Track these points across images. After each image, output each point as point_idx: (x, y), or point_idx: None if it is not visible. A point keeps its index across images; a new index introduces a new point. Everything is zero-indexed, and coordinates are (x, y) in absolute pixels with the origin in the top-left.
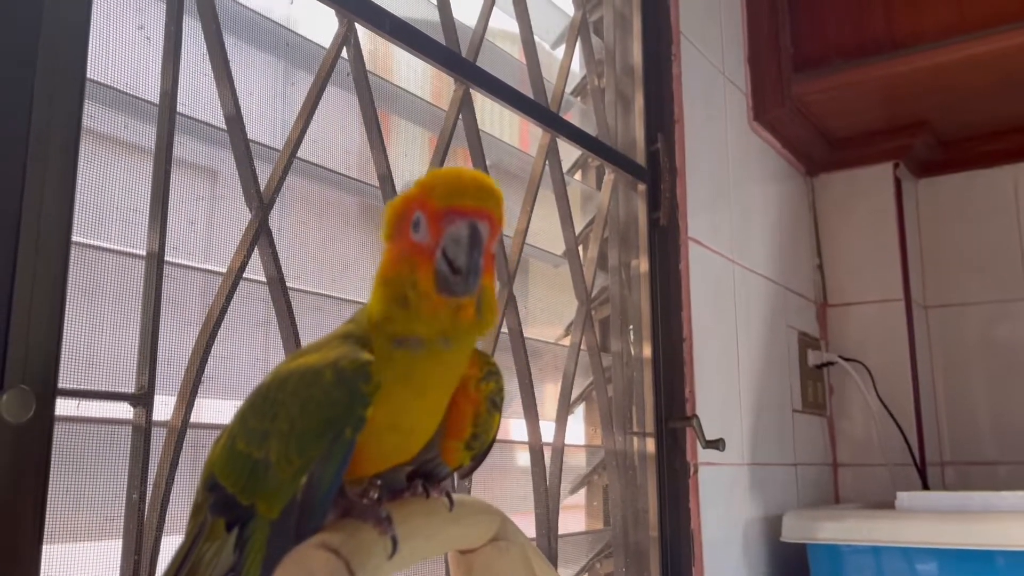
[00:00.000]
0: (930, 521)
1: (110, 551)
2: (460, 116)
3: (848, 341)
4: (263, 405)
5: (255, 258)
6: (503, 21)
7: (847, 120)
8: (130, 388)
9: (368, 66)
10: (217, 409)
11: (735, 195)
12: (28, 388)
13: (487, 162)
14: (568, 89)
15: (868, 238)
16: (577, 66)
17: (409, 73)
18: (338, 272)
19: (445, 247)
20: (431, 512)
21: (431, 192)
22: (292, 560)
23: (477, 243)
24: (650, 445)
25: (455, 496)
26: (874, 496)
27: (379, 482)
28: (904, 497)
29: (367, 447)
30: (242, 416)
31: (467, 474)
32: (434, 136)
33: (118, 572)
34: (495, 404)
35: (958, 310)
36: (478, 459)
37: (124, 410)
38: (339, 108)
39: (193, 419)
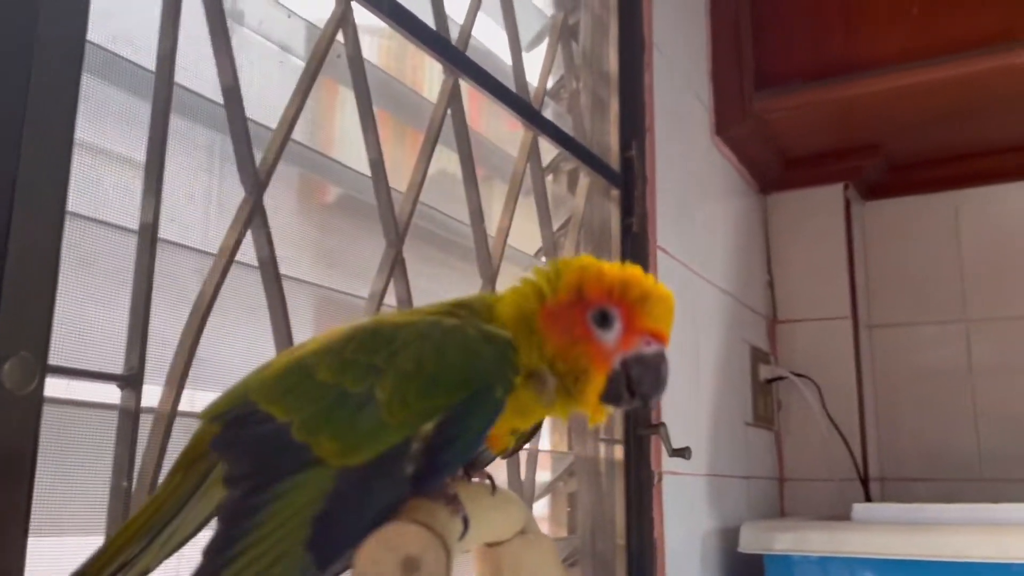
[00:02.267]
0: (887, 533)
1: (90, 546)
2: (449, 110)
3: (796, 357)
4: (372, 341)
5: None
6: (481, 27)
7: (803, 140)
8: (118, 370)
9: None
10: (207, 400)
11: (697, 208)
12: (31, 356)
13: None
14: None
15: (817, 257)
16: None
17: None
18: (332, 260)
19: (631, 366)
20: (478, 496)
21: (641, 302)
22: (382, 534)
23: (667, 377)
24: (618, 452)
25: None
26: (818, 510)
27: None
28: (859, 509)
29: None
30: (324, 350)
31: (511, 455)
32: (383, 111)
33: None
34: None
35: (901, 330)
36: (523, 440)
37: (111, 394)
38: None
39: (183, 407)
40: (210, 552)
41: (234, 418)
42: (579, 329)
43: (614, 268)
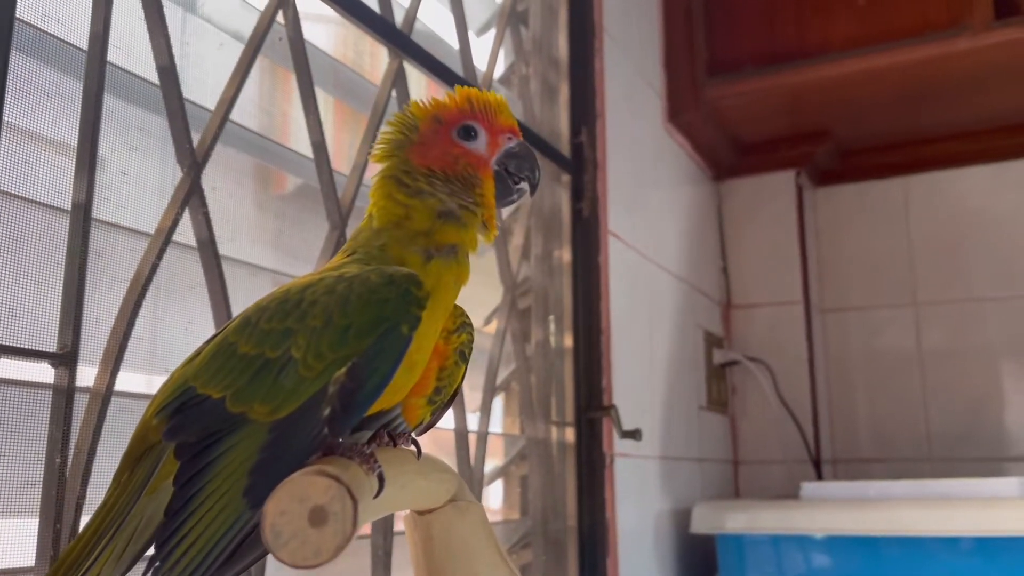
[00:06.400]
0: (834, 510)
1: (25, 529)
2: (394, 91)
3: (750, 341)
4: (282, 308)
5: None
6: (429, 12)
7: (755, 126)
8: (51, 348)
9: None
10: (141, 381)
11: (650, 194)
12: None
13: None
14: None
15: (770, 243)
16: (502, 55)
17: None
18: (271, 241)
19: (507, 162)
20: (403, 461)
21: (488, 109)
22: (290, 486)
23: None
24: (569, 435)
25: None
26: (771, 492)
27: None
28: (808, 487)
29: None
30: (243, 325)
31: (426, 429)
32: (338, 100)
33: (35, 552)
34: (463, 356)
35: (852, 314)
36: (440, 412)
37: (43, 373)
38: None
39: (120, 387)
40: (168, 513)
41: (178, 407)
42: (453, 148)
43: (455, 91)
